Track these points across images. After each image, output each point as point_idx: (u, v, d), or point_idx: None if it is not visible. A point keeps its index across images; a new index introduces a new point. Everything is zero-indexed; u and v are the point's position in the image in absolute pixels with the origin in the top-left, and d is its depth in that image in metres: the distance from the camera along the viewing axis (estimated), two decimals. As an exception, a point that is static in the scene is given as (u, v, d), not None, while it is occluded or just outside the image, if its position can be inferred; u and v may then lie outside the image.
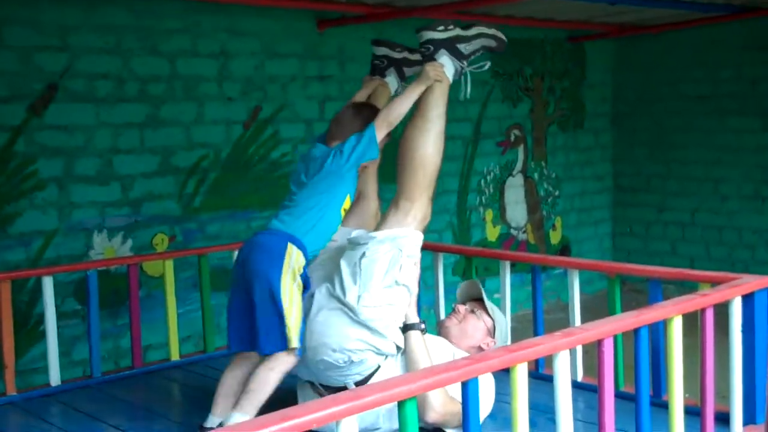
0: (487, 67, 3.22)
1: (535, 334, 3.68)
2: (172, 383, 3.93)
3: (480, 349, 3.17)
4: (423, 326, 2.99)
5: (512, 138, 7.34)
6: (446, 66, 3.10)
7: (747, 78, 7.25)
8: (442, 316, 3.96)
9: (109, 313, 4.94)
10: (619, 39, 7.85)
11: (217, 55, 5.41)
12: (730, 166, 7.39)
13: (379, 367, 2.95)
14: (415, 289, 3.01)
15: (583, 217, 8.06)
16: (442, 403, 2.82)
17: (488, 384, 2.97)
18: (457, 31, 3.12)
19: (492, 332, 3.23)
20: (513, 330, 3.66)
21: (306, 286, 2.98)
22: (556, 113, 7.69)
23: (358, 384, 2.91)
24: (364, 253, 2.94)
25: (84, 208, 4.92)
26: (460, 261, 6.49)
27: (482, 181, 7.11)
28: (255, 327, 2.88)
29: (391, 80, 3.43)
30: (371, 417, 2.88)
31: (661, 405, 2.86)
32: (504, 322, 3.32)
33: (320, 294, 3.00)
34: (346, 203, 3.08)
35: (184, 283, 5.04)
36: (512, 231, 7.42)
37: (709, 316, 2.72)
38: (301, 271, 2.94)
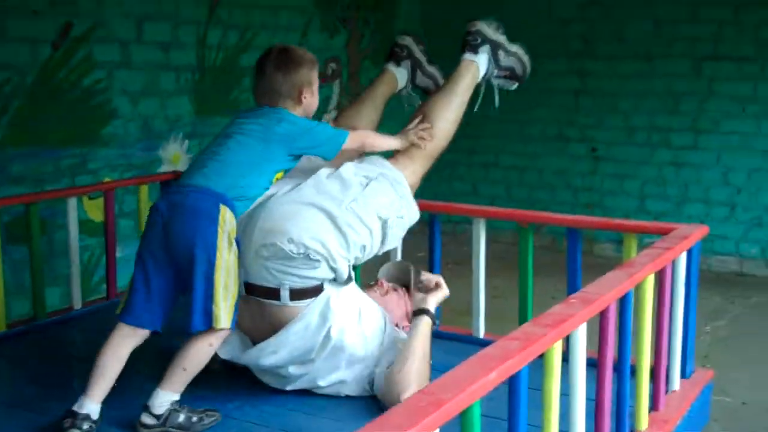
0: (514, 88, 3.36)
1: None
2: None
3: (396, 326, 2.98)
4: (438, 323, 2.96)
5: (329, 72, 6.94)
6: (481, 64, 3.21)
7: (556, 18, 7.32)
8: None
9: None
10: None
11: (15, -43, 4.50)
12: (537, 107, 7.47)
13: (320, 288, 2.66)
14: (445, 291, 2.95)
15: (394, 156, 7.86)
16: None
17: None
18: (504, 39, 3.27)
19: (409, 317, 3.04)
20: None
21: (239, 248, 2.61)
22: (369, 47, 7.39)
23: (291, 292, 2.63)
24: (379, 176, 2.82)
25: None
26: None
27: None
28: (190, 302, 2.46)
29: (402, 73, 3.43)
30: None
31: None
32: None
33: (313, 184, 2.75)
34: (280, 174, 2.73)
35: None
36: (329, 170, 7.06)
37: (669, 271, 2.61)
38: (235, 233, 2.55)
